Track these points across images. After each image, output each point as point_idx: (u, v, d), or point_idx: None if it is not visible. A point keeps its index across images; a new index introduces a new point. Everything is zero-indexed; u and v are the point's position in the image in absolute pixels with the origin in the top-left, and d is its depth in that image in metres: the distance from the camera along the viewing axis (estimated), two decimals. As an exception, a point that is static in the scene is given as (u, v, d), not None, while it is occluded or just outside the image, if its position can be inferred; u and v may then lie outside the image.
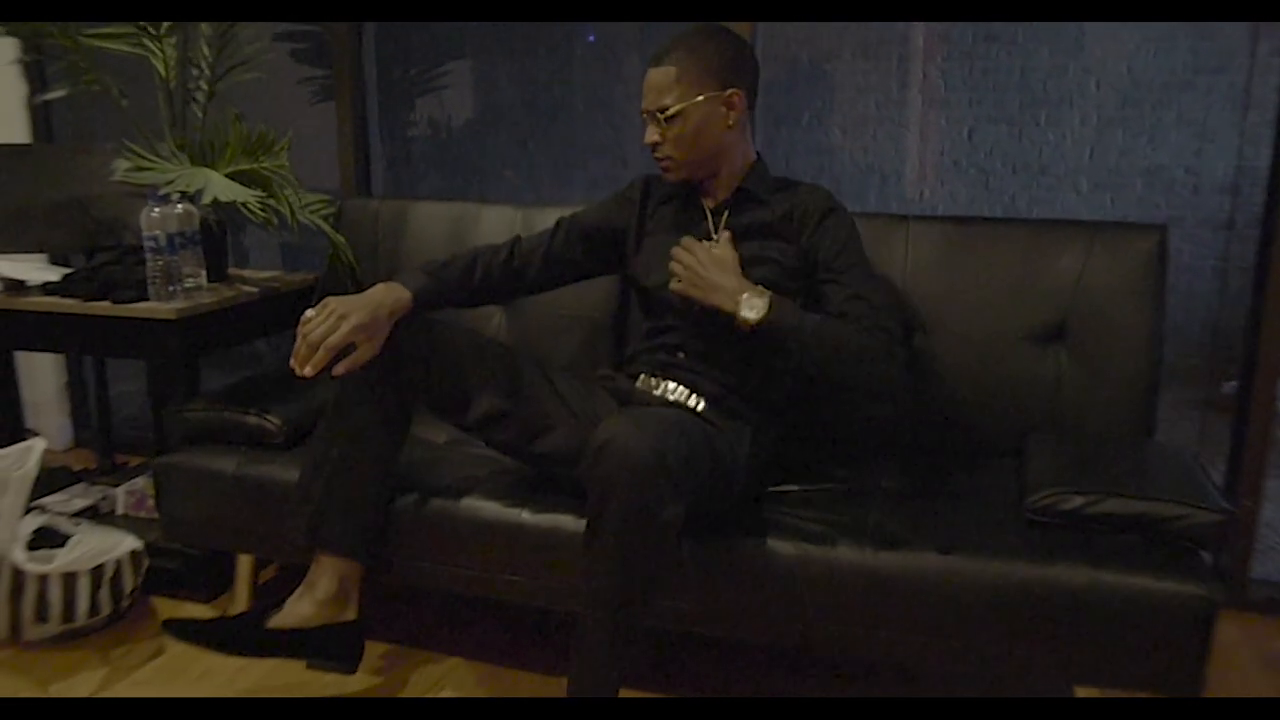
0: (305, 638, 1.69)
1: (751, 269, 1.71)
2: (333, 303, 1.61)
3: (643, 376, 1.82)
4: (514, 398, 1.74)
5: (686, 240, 1.72)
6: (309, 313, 1.61)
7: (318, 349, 1.58)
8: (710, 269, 1.66)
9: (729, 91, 1.72)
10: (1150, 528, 1.50)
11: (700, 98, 1.70)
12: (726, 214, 1.81)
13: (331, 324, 1.59)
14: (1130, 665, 1.44)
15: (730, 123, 1.74)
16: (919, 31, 2.36)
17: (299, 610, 1.70)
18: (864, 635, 1.55)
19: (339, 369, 1.61)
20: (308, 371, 1.59)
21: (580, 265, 1.92)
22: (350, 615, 1.74)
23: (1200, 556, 1.49)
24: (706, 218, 1.82)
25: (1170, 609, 1.41)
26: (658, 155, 1.77)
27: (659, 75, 1.71)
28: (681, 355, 1.80)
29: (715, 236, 1.78)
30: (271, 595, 2.13)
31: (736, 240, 1.75)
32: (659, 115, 1.71)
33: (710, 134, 1.74)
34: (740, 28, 2.24)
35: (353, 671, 1.77)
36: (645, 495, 1.41)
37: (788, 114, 2.46)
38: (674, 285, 1.70)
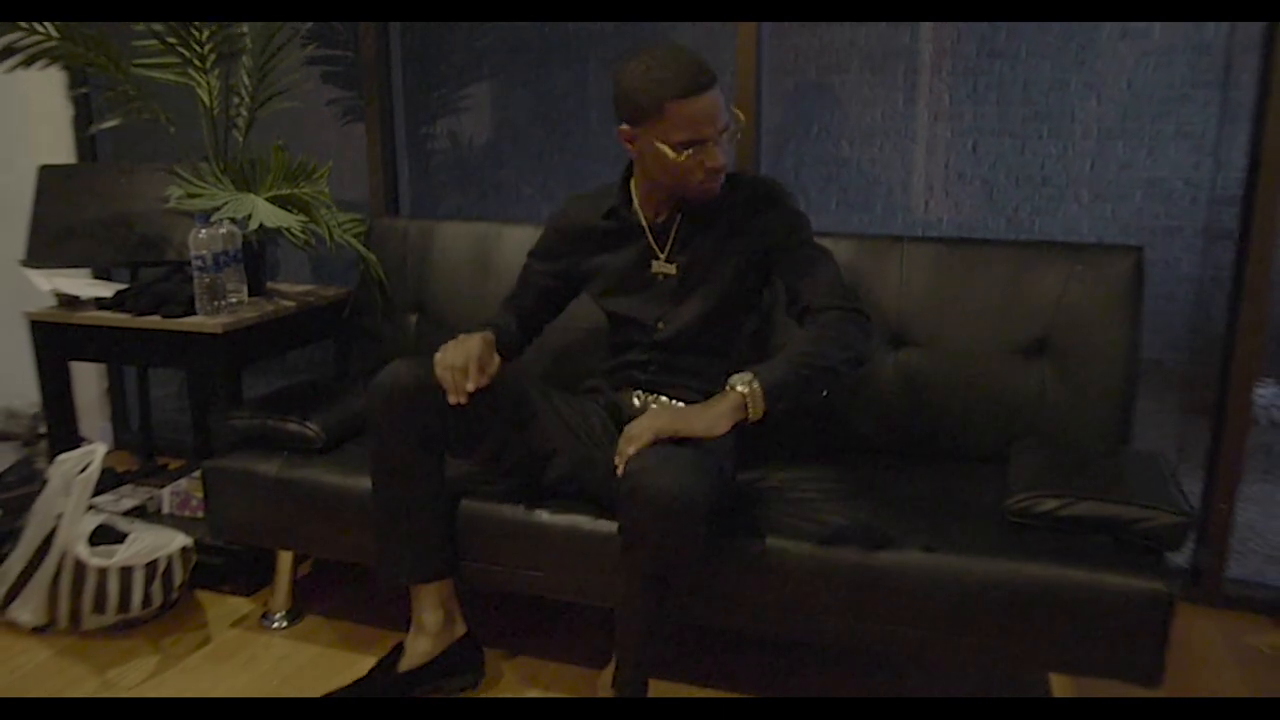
0: (433, 667, 1.85)
1: (710, 280, 1.78)
2: (444, 347, 1.74)
3: (624, 389, 1.92)
4: (519, 428, 1.80)
5: (621, 443, 1.59)
6: (438, 355, 1.72)
7: (465, 369, 1.68)
8: (683, 419, 1.58)
9: None
10: (1118, 529, 1.61)
11: None
12: (675, 230, 1.83)
13: (457, 348, 1.71)
14: (1097, 654, 1.56)
15: None
16: (925, 46, 2.38)
17: (419, 649, 1.84)
18: (854, 627, 1.67)
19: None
20: (469, 386, 1.68)
21: (556, 293, 1.99)
22: (461, 630, 1.88)
23: (1163, 556, 1.60)
24: (648, 234, 1.86)
25: (1132, 603, 1.52)
26: (717, 173, 1.70)
27: (716, 94, 1.62)
28: (653, 369, 1.90)
29: (660, 255, 1.85)
30: (310, 589, 2.28)
31: (685, 257, 1.82)
32: (726, 131, 1.67)
33: None
34: (745, 29, 2.29)
35: (479, 680, 1.91)
36: (674, 534, 1.52)
37: (796, 126, 2.49)
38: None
